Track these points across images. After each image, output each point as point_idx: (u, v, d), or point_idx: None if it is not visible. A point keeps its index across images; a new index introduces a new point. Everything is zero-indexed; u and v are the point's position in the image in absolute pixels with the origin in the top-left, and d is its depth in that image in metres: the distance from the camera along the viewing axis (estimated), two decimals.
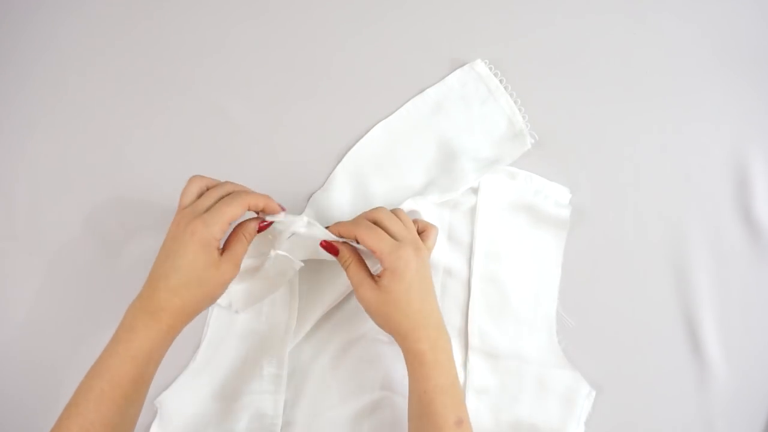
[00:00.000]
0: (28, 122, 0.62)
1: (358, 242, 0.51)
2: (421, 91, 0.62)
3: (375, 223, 0.51)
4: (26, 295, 0.60)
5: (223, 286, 0.49)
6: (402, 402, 0.58)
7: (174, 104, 0.62)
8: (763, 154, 0.61)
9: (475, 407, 0.57)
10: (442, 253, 0.59)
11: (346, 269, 0.52)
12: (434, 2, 0.63)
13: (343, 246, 0.52)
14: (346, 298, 0.59)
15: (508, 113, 0.61)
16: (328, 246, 0.52)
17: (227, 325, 0.59)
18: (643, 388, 0.60)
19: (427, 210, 0.58)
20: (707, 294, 0.60)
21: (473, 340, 0.58)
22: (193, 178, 0.51)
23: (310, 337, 0.58)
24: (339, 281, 0.57)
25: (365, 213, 0.53)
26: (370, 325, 0.58)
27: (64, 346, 0.60)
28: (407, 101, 0.62)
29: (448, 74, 0.62)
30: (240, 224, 0.51)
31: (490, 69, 0.62)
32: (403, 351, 0.50)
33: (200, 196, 0.50)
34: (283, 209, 0.52)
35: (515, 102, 0.61)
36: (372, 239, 0.49)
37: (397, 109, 0.62)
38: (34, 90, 0.62)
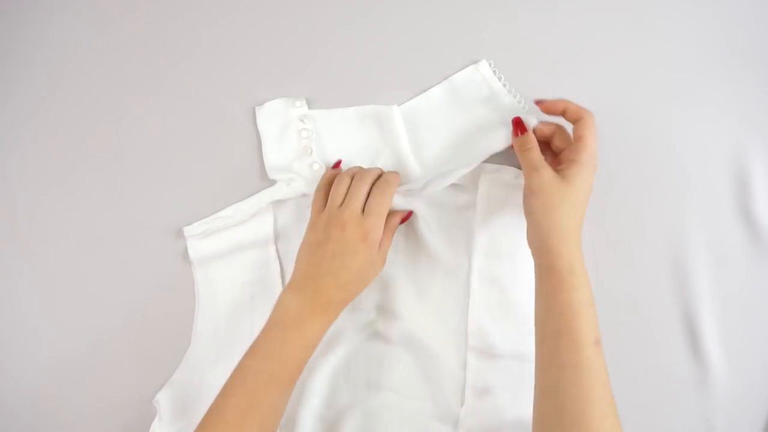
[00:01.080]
0: (28, 122, 0.62)
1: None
2: (425, 90, 0.62)
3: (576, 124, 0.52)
4: (26, 295, 0.60)
5: (374, 279, 0.54)
6: (403, 402, 0.58)
7: (174, 104, 0.62)
8: (763, 154, 0.61)
9: (476, 407, 0.57)
10: (442, 252, 0.59)
11: (525, 151, 0.52)
12: (435, 2, 0.63)
13: (530, 131, 0.53)
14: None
15: (512, 113, 0.61)
16: (519, 123, 0.54)
17: (215, 321, 0.59)
18: (643, 388, 0.60)
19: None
20: (707, 294, 0.60)
21: (473, 340, 0.58)
22: (329, 175, 0.56)
23: None
24: None
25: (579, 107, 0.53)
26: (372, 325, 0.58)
27: (64, 346, 0.60)
28: (409, 99, 0.62)
29: (452, 74, 0.62)
30: (387, 221, 0.54)
31: (494, 72, 0.62)
32: (555, 258, 0.49)
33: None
34: (411, 212, 0.58)
35: (518, 103, 0.61)
36: (593, 134, 0.50)
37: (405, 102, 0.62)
38: (34, 90, 0.62)
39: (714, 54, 0.62)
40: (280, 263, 0.60)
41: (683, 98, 0.62)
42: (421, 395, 0.58)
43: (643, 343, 0.60)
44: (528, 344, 0.58)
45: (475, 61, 0.62)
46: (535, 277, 0.51)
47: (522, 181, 0.59)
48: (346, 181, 0.55)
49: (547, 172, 0.50)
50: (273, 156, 0.60)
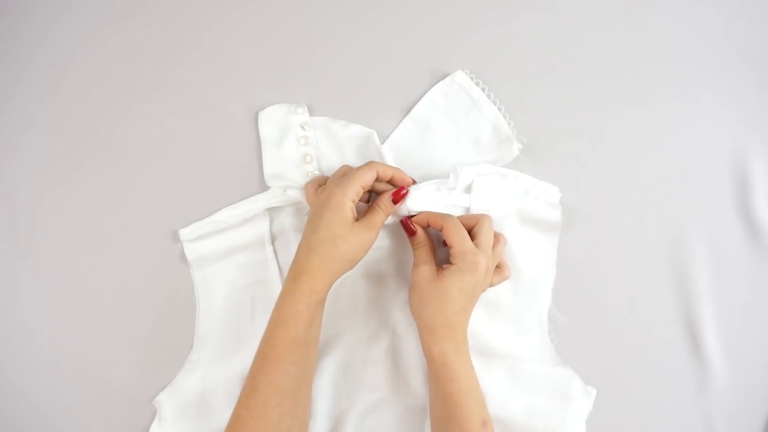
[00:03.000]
0: (28, 122, 0.62)
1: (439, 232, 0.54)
2: (406, 107, 0.62)
3: (466, 227, 0.53)
4: (26, 295, 0.60)
5: (359, 249, 0.52)
6: (404, 402, 0.58)
7: (174, 103, 0.62)
8: (763, 154, 0.61)
9: None
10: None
11: (416, 248, 0.54)
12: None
13: (421, 229, 0.55)
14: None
15: (493, 121, 0.61)
16: (407, 224, 0.55)
17: (216, 324, 0.59)
18: (642, 389, 0.60)
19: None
20: (707, 294, 0.60)
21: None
22: (342, 167, 0.56)
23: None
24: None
25: (467, 216, 0.55)
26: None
27: (64, 346, 0.60)
28: (398, 115, 0.62)
29: (431, 86, 0.62)
30: (377, 197, 0.55)
31: (471, 78, 0.61)
32: (428, 351, 0.52)
33: None
34: (414, 181, 0.57)
35: (499, 109, 0.61)
36: (457, 236, 0.52)
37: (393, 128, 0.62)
38: (34, 90, 0.62)
39: (714, 53, 0.62)
40: (278, 263, 0.60)
41: (683, 98, 0.62)
42: (417, 395, 0.58)
43: (643, 343, 0.60)
44: (521, 343, 0.58)
45: (453, 70, 0.61)
46: None
47: (511, 180, 0.59)
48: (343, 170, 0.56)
49: (425, 269, 0.52)
50: (271, 162, 0.60)
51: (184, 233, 0.59)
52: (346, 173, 0.54)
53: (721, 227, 0.61)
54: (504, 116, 0.61)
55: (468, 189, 0.57)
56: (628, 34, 0.62)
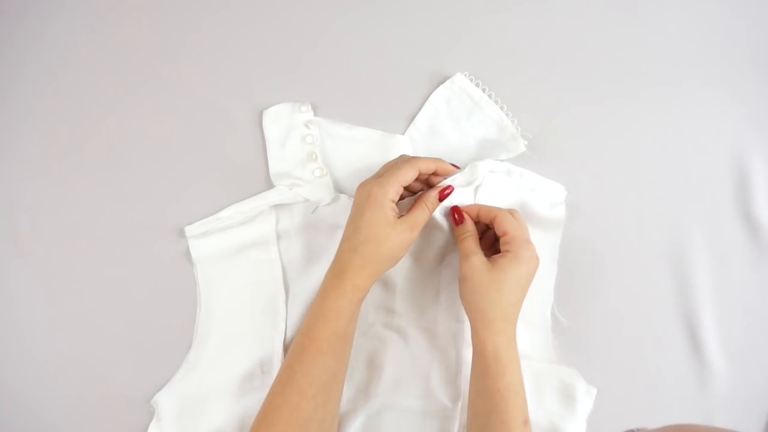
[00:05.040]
0: (28, 122, 0.62)
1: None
2: (406, 109, 0.62)
3: (486, 219, 0.54)
4: (25, 295, 0.60)
5: (401, 248, 0.51)
6: (401, 401, 0.58)
7: (174, 104, 0.62)
8: (763, 154, 0.61)
9: None
10: (440, 251, 0.59)
11: (462, 240, 0.54)
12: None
13: (469, 218, 0.55)
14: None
15: (497, 120, 0.61)
16: (457, 212, 0.55)
17: (216, 324, 0.59)
18: (643, 388, 0.60)
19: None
20: (707, 294, 0.60)
21: (469, 337, 0.58)
22: (401, 156, 0.56)
23: None
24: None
25: (495, 207, 0.55)
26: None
27: (63, 346, 0.60)
28: (398, 117, 0.61)
29: (431, 87, 0.61)
30: (421, 193, 0.55)
31: (471, 80, 0.61)
32: (481, 345, 0.51)
33: None
34: (456, 167, 0.56)
35: (501, 108, 0.61)
36: (511, 224, 0.52)
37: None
38: (34, 89, 0.62)
39: (714, 53, 0.62)
40: (282, 264, 0.60)
41: (683, 97, 0.62)
42: (419, 394, 0.58)
43: (643, 343, 0.60)
44: (523, 341, 0.58)
45: (448, 75, 0.61)
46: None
47: (517, 177, 0.60)
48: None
49: (477, 259, 0.52)
50: (276, 160, 0.60)
51: (190, 230, 0.59)
52: (392, 167, 0.53)
53: (721, 227, 0.61)
54: (507, 114, 0.61)
55: (471, 184, 0.58)
56: (628, 33, 0.62)
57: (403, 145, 0.60)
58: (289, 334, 0.58)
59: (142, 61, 0.63)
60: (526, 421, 0.50)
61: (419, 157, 0.54)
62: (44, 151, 0.62)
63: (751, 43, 0.62)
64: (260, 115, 0.61)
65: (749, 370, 0.59)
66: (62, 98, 0.62)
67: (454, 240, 0.56)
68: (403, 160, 0.53)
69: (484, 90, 0.61)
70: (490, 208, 0.54)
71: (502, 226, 0.52)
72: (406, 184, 0.52)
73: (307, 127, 0.60)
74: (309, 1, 0.63)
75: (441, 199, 0.54)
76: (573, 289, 0.60)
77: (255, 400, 0.57)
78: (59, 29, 0.63)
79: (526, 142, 0.60)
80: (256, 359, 0.58)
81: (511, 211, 0.55)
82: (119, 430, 0.59)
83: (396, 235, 0.51)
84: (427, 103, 0.61)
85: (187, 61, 0.63)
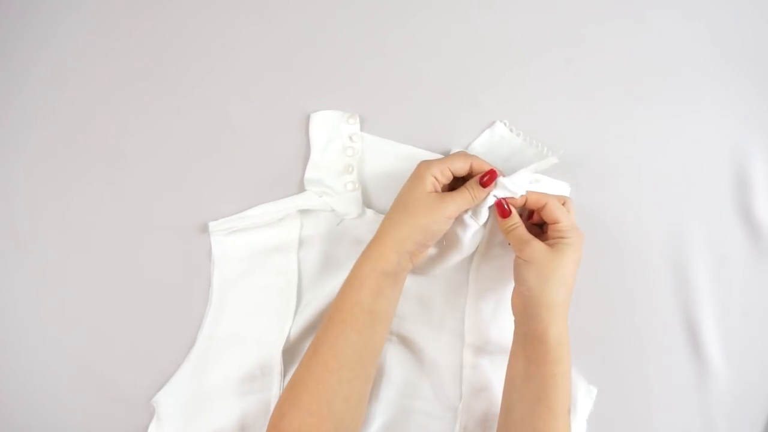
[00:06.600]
0: (28, 122, 0.62)
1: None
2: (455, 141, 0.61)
3: (532, 205, 0.54)
4: (26, 295, 0.60)
5: (430, 216, 0.50)
6: (403, 402, 0.58)
7: (174, 105, 0.62)
8: (763, 154, 0.61)
9: (472, 403, 0.57)
10: (441, 251, 0.59)
11: (513, 230, 0.53)
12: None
13: (514, 210, 0.54)
14: None
15: (536, 159, 0.59)
16: (504, 204, 0.54)
17: (223, 325, 0.59)
18: (643, 388, 0.60)
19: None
20: (707, 294, 0.60)
21: (469, 336, 0.58)
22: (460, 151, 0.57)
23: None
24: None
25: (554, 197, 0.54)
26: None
27: (63, 345, 0.60)
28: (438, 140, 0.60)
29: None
30: (467, 182, 0.54)
31: (511, 130, 0.60)
32: (543, 330, 0.50)
33: None
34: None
35: (542, 152, 0.59)
36: (562, 212, 0.52)
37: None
38: (34, 90, 0.62)
39: (714, 54, 0.62)
40: (299, 272, 0.59)
41: (683, 98, 0.62)
42: (421, 395, 0.58)
43: (643, 343, 0.60)
44: None
45: (490, 124, 0.61)
46: (517, 341, 0.52)
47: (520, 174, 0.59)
48: None
49: (538, 243, 0.51)
50: (313, 165, 0.59)
51: (214, 225, 0.59)
52: (448, 155, 0.54)
53: (721, 227, 0.61)
54: (542, 151, 0.59)
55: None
56: (628, 34, 0.62)
57: None
58: (292, 342, 0.58)
59: (142, 63, 0.62)
60: (569, 411, 0.50)
61: (477, 156, 0.54)
62: (44, 151, 0.62)
63: (751, 43, 0.62)
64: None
65: (749, 370, 0.60)
66: (61, 99, 0.62)
67: (502, 232, 0.55)
68: (460, 153, 0.55)
69: (518, 134, 0.60)
70: (539, 196, 0.54)
71: (555, 214, 0.52)
72: (455, 171, 0.53)
73: (351, 139, 0.59)
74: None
75: (483, 185, 0.53)
76: (573, 289, 0.60)
77: (255, 401, 0.57)
78: (58, 29, 0.63)
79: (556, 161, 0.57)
80: (256, 362, 0.58)
81: (560, 198, 0.54)
82: (119, 430, 0.59)
83: (426, 203, 0.51)
84: (469, 147, 0.60)
85: (189, 63, 0.62)
